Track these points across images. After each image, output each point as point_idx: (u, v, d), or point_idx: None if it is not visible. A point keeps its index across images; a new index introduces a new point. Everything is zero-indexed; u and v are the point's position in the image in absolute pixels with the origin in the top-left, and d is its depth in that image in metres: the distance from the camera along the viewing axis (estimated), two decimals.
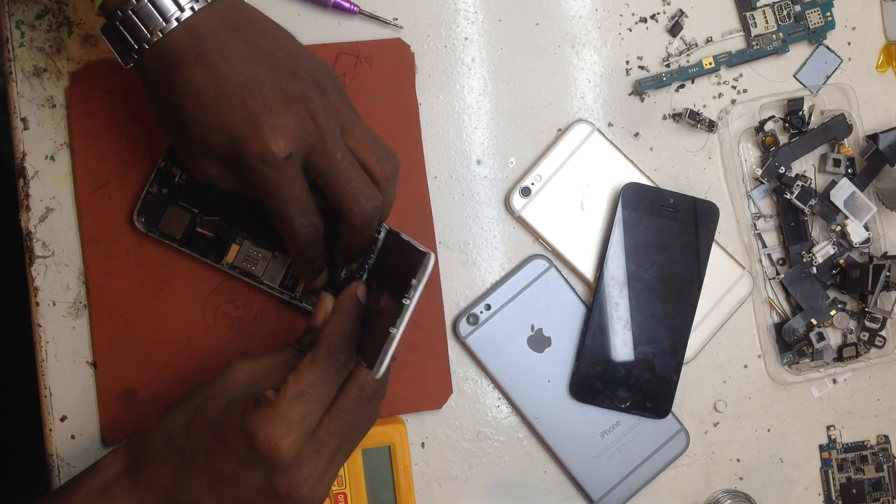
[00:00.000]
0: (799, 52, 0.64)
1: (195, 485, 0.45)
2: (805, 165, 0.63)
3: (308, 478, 0.45)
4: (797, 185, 0.61)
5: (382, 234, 0.57)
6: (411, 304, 0.44)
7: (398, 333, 0.44)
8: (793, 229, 0.62)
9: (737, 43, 0.63)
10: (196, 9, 0.45)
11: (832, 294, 0.63)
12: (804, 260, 0.62)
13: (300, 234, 0.49)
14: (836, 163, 0.62)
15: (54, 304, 0.57)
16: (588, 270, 0.61)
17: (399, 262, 0.49)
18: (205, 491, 0.45)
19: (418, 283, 0.44)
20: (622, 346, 0.60)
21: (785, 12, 0.63)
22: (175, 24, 0.45)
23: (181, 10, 0.45)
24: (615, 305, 0.60)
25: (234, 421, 0.44)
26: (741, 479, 0.63)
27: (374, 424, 0.49)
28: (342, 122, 0.48)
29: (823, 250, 0.62)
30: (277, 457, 0.43)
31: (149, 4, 0.45)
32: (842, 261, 0.62)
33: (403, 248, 0.50)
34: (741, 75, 0.63)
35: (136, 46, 0.46)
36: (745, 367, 0.63)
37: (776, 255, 0.63)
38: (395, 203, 0.59)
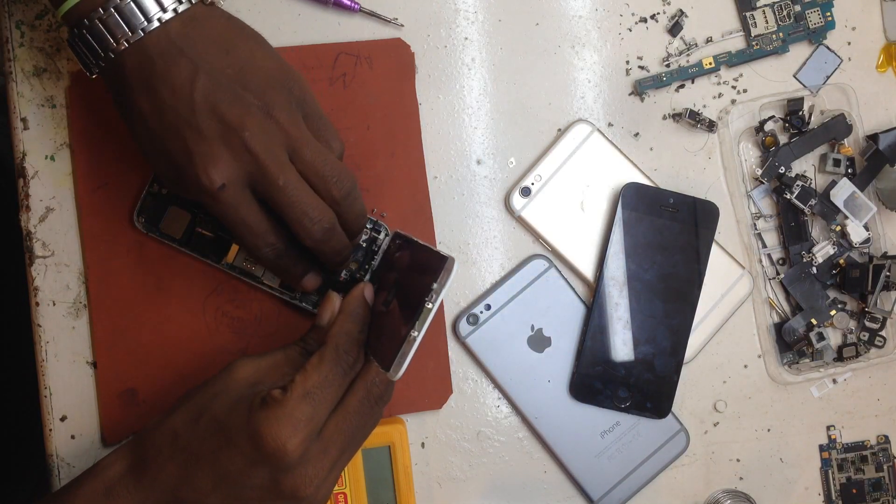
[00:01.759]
0: (799, 52, 0.64)
1: (200, 484, 0.45)
2: (805, 165, 0.63)
3: (313, 478, 0.45)
4: (797, 185, 0.61)
5: (385, 238, 0.57)
6: (433, 307, 0.44)
7: (419, 337, 0.44)
8: (793, 229, 0.62)
9: (737, 43, 0.63)
10: (147, 29, 0.45)
11: (832, 294, 0.63)
12: (804, 260, 0.62)
13: (258, 255, 0.50)
14: (836, 163, 0.62)
15: (54, 304, 0.57)
16: (588, 270, 0.61)
17: (412, 265, 0.49)
18: (210, 490, 0.45)
19: (440, 288, 0.44)
20: (622, 346, 0.60)
21: (785, 12, 0.63)
22: (125, 44, 0.45)
23: (132, 31, 0.45)
24: (615, 305, 0.60)
25: (239, 420, 0.44)
26: (741, 479, 0.63)
27: (376, 427, 0.49)
28: (290, 144, 0.47)
29: (823, 250, 0.62)
30: (284, 456, 0.43)
31: (99, 25, 0.45)
32: (842, 261, 0.62)
33: (417, 250, 0.50)
34: (741, 75, 0.63)
35: (94, 61, 0.46)
36: (745, 367, 0.63)
37: (776, 255, 0.63)
38: (395, 203, 0.59)
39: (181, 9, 0.46)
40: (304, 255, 0.52)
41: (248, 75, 0.47)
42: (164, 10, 0.45)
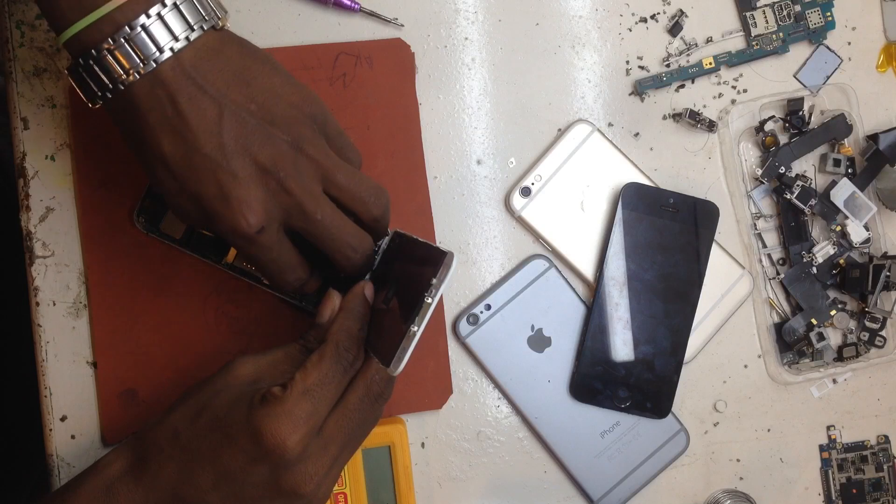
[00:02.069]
0: (799, 52, 0.64)
1: (200, 481, 0.45)
2: (805, 165, 0.63)
3: (313, 475, 0.45)
4: (797, 185, 0.61)
5: (386, 237, 0.57)
6: (433, 302, 0.44)
7: (419, 331, 0.44)
8: (793, 229, 0.62)
9: (737, 43, 0.63)
10: (160, 60, 0.42)
11: (832, 294, 0.63)
12: (804, 260, 0.62)
13: (283, 287, 0.50)
14: (836, 163, 0.62)
15: (54, 304, 0.57)
16: (588, 270, 0.61)
17: (412, 262, 0.49)
18: (210, 488, 0.45)
19: (440, 283, 0.44)
20: (622, 346, 0.60)
21: (785, 12, 0.63)
22: (137, 76, 0.42)
23: (145, 62, 0.42)
24: (615, 305, 0.60)
25: (239, 417, 0.44)
26: (741, 479, 0.63)
27: (376, 425, 0.49)
28: (323, 174, 0.46)
29: (823, 250, 0.62)
30: (284, 453, 0.43)
31: (109, 57, 0.42)
32: (842, 261, 0.62)
33: (416, 248, 0.50)
34: (741, 75, 0.63)
35: (100, 94, 0.44)
36: (745, 367, 0.63)
37: (776, 255, 0.63)
38: (395, 203, 0.59)
39: (193, 37, 0.43)
40: (317, 270, 0.52)
41: (272, 108, 0.45)
42: (175, 39, 0.43)
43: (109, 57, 0.42)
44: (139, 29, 0.42)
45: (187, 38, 0.43)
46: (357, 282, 0.56)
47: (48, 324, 0.57)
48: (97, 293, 0.57)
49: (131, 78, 0.42)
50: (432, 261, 0.46)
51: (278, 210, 0.45)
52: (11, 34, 0.57)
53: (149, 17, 0.42)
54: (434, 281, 0.44)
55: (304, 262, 0.49)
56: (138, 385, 0.57)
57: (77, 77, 0.44)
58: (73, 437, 0.57)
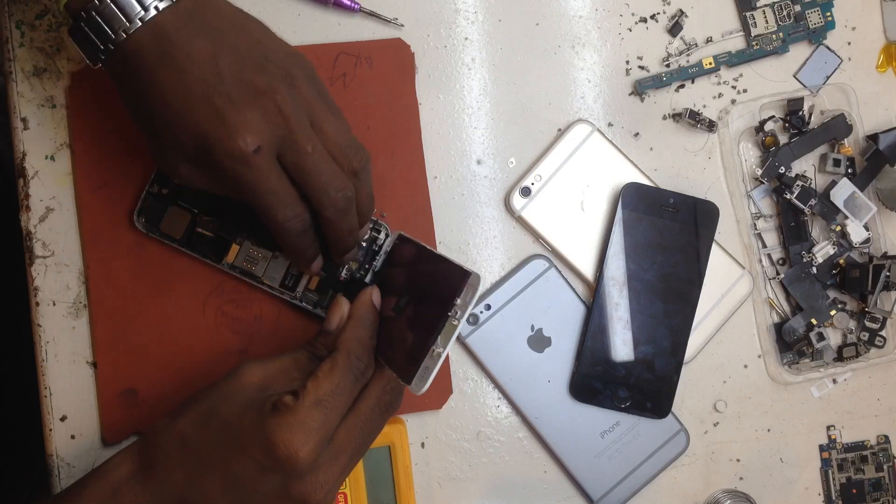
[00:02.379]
0: (799, 52, 0.64)
1: (209, 488, 0.45)
2: (805, 165, 0.63)
3: (324, 484, 0.45)
4: (797, 185, 0.61)
5: (385, 238, 0.57)
6: (460, 324, 0.44)
7: (444, 353, 0.44)
8: (793, 229, 0.62)
9: (737, 43, 0.63)
10: (160, 8, 0.44)
11: (832, 294, 0.63)
12: (804, 260, 0.62)
13: (286, 226, 0.48)
14: (836, 163, 0.62)
15: (54, 304, 0.57)
16: (588, 270, 0.61)
17: (425, 274, 0.49)
18: (218, 495, 0.45)
19: (465, 304, 0.44)
20: (622, 346, 0.60)
21: (785, 12, 0.63)
22: (139, 23, 0.44)
23: (145, 9, 0.44)
24: (615, 305, 0.60)
25: (250, 425, 0.44)
26: (741, 479, 0.63)
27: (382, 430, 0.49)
28: (311, 115, 0.47)
29: (823, 250, 0.62)
30: (296, 464, 0.43)
31: (111, 5, 0.44)
32: (842, 261, 0.62)
33: (430, 260, 0.49)
34: (741, 75, 0.63)
35: (102, 47, 0.45)
36: (745, 367, 0.63)
37: (776, 255, 0.63)
38: (395, 203, 0.59)
39: None
40: (318, 235, 0.51)
41: (265, 49, 0.47)
42: None
43: (112, 6, 0.44)
44: None
45: None
46: (339, 271, 0.55)
47: (48, 324, 0.57)
48: (97, 293, 0.57)
49: (134, 25, 0.44)
50: (452, 278, 0.45)
51: (273, 134, 0.46)
52: (11, 34, 0.57)
53: None
54: (458, 301, 0.44)
55: (301, 200, 0.48)
56: (138, 385, 0.57)
57: (79, 35, 0.45)
58: (73, 437, 0.57)
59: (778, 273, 0.63)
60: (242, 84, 0.45)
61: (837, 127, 0.62)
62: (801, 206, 0.61)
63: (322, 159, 0.47)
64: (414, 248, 0.52)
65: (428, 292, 0.46)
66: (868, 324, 0.62)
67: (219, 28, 0.46)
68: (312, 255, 0.52)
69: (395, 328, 0.47)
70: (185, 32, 0.45)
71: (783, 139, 0.63)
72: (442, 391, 0.59)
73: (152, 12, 0.44)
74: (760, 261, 0.62)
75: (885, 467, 0.64)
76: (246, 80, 0.45)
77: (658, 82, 0.62)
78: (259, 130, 0.45)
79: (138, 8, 0.44)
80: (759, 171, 0.62)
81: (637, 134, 0.63)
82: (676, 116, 0.63)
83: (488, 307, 0.60)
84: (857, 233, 0.62)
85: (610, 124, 0.62)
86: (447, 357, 0.44)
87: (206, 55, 0.45)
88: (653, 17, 0.63)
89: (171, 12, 0.44)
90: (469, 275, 0.45)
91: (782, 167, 0.61)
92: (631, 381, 0.60)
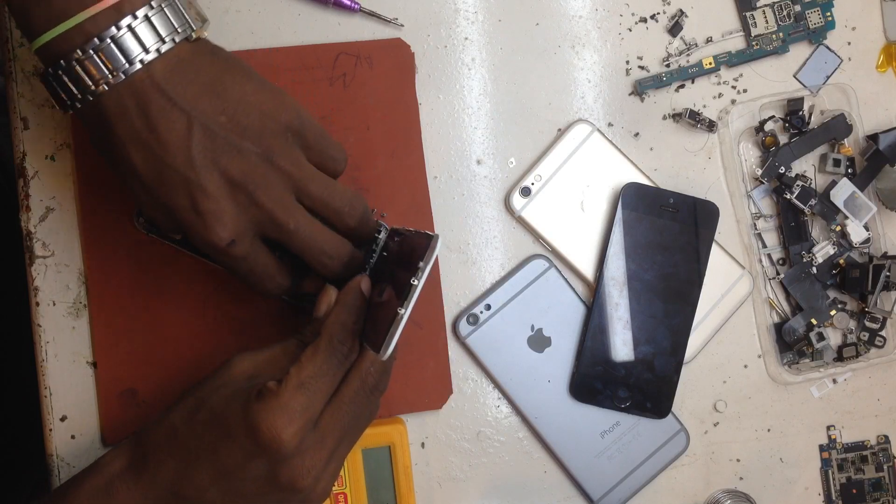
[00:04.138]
0: (799, 52, 0.64)
1: (199, 478, 0.45)
2: (805, 165, 0.63)
3: (311, 469, 0.45)
4: (797, 185, 0.61)
5: (384, 236, 0.57)
6: (419, 284, 0.45)
7: (405, 313, 0.44)
8: (793, 229, 0.62)
9: (737, 43, 0.63)
10: (130, 73, 0.42)
11: (832, 294, 0.63)
12: (804, 260, 0.62)
13: (267, 294, 0.50)
14: (836, 163, 0.62)
15: (54, 304, 0.57)
16: (588, 270, 0.61)
17: (404, 254, 0.50)
18: (209, 484, 0.45)
19: (425, 265, 0.45)
20: (622, 346, 0.60)
21: (785, 12, 0.63)
22: (105, 87, 0.42)
23: (113, 74, 0.42)
24: (615, 305, 0.60)
25: (236, 413, 0.44)
26: (741, 479, 0.63)
27: (374, 419, 0.49)
28: (295, 186, 0.47)
29: (823, 250, 0.62)
30: (280, 447, 0.43)
31: (78, 68, 0.42)
32: (842, 261, 0.62)
33: (407, 239, 0.50)
34: (741, 75, 0.63)
35: (69, 103, 0.44)
36: (745, 367, 0.63)
37: (776, 255, 0.63)
38: (395, 203, 0.59)
39: (164, 49, 0.43)
40: (305, 272, 0.52)
41: (242, 118, 0.45)
42: (146, 51, 0.43)
43: (79, 67, 0.42)
44: (109, 40, 0.42)
45: (158, 50, 0.43)
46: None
47: (48, 324, 0.57)
48: (97, 293, 0.57)
49: (100, 89, 0.43)
50: (420, 245, 0.46)
51: (250, 222, 0.46)
52: (11, 34, 0.57)
53: (119, 28, 0.42)
54: (420, 264, 0.45)
55: (284, 269, 0.49)
56: (138, 385, 0.57)
57: (48, 85, 0.44)
58: (73, 437, 0.57)
59: (778, 273, 0.63)
60: (216, 174, 0.44)
61: (837, 127, 0.62)
62: (801, 206, 0.61)
63: (308, 231, 0.47)
64: (398, 235, 0.53)
65: (405, 268, 0.47)
66: (868, 324, 0.62)
67: (194, 100, 0.44)
68: (301, 290, 0.53)
69: (381, 312, 0.48)
70: (157, 106, 0.43)
71: (783, 139, 0.63)
72: (442, 391, 0.59)
73: (121, 77, 0.42)
74: (760, 261, 0.62)
75: (885, 467, 0.64)
76: (220, 168, 0.44)
77: (658, 82, 0.62)
78: (233, 223, 0.45)
79: (106, 72, 0.42)
80: (759, 171, 0.62)
81: (637, 134, 0.63)
82: (676, 116, 0.63)
83: (488, 307, 0.60)
84: (857, 233, 0.62)
85: (610, 124, 0.62)
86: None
87: (178, 139, 0.43)
88: (653, 17, 0.63)
89: (142, 78, 0.43)
90: (430, 238, 0.45)
91: (782, 167, 0.61)
92: (631, 381, 0.60)
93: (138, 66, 0.43)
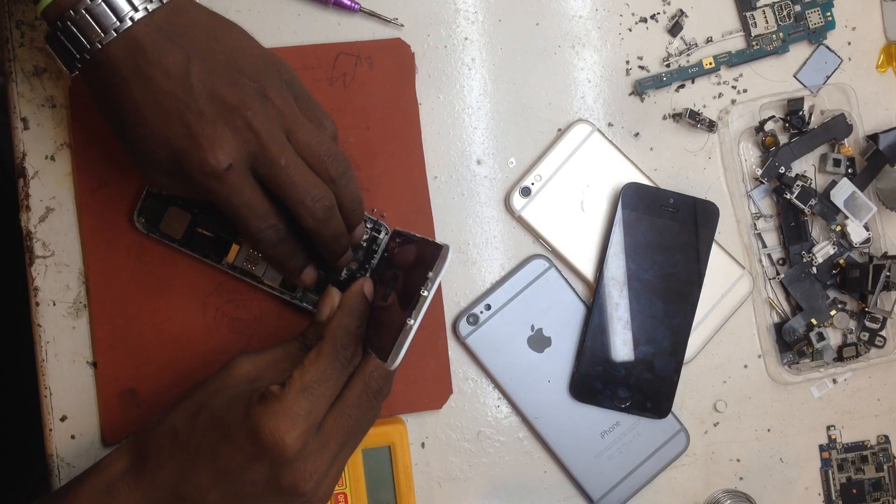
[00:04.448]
0: (799, 52, 0.64)
1: (200, 480, 0.45)
2: (805, 165, 0.63)
3: (313, 472, 0.45)
4: (797, 185, 0.61)
5: (384, 236, 0.57)
6: (429, 295, 0.44)
7: (415, 324, 0.44)
8: (793, 229, 0.62)
9: (737, 43, 0.63)
10: (136, 18, 0.44)
11: (832, 294, 0.63)
12: (804, 260, 0.62)
13: (260, 237, 0.49)
14: (836, 163, 0.62)
15: (54, 304, 0.57)
16: (588, 270, 0.61)
17: (410, 258, 0.49)
18: (210, 486, 0.45)
19: (435, 276, 0.45)
20: (622, 346, 0.60)
21: (785, 12, 0.63)
22: (114, 34, 0.44)
23: (121, 20, 0.44)
24: (615, 305, 0.60)
25: (238, 416, 0.44)
26: (741, 479, 0.63)
27: (375, 422, 0.49)
28: (286, 126, 0.47)
29: (823, 250, 0.62)
30: (282, 451, 0.43)
31: (87, 15, 0.44)
32: (842, 261, 0.62)
33: (413, 244, 0.50)
34: (741, 75, 0.63)
35: (78, 56, 0.45)
36: (745, 367, 0.63)
37: (776, 255, 0.63)
38: (395, 203, 0.59)
39: None
40: (304, 247, 0.52)
41: (240, 59, 0.47)
42: (150, 0, 0.45)
43: (87, 16, 0.44)
44: None
45: (161, 0, 0.45)
46: (340, 271, 0.56)
47: (48, 324, 0.57)
48: (97, 293, 0.57)
49: (109, 37, 0.44)
50: (429, 254, 0.46)
51: (244, 150, 0.46)
52: (11, 34, 0.57)
53: None
54: (430, 274, 0.45)
55: (276, 212, 0.49)
56: (138, 385, 0.57)
57: (55, 43, 0.46)
58: (73, 437, 0.57)
59: (778, 273, 0.63)
60: (214, 99, 0.45)
61: (837, 127, 0.62)
62: (801, 206, 0.61)
63: (296, 170, 0.47)
64: (402, 238, 0.53)
65: (411, 275, 0.47)
66: (868, 324, 0.62)
67: (193, 39, 0.46)
68: (297, 266, 0.53)
69: (385, 316, 0.48)
70: (158, 44, 0.45)
71: (783, 139, 0.63)
72: (442, 391, 0.59)
73: (127, 23, 0.44)
74: (760, 261, 0.62)
75: (885, 467, 0.64)
76: (217, 95, 0.45)
77: (658, 82, 0.62)
78: (229, 147, 0.46)
79: (113, 18, 0.44)
80: (759, 171, 0.62)
81: (637, 134, 0.63)
82: (676, 116, 0.63)
83: (488, 307, 0.60)
84: (857, 233, 0.62)
85: (610, 124, 0.62)
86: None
87: (177, 69, 0.45)
88: (653, 17, 0.63)
89: (145, 23, 0.45)
90: (441, 248, 0.45)
91: (782, 167, 0.61)
92: (631, 381, 0.60)
93: (142, 13, 0.44)
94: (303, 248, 0.52)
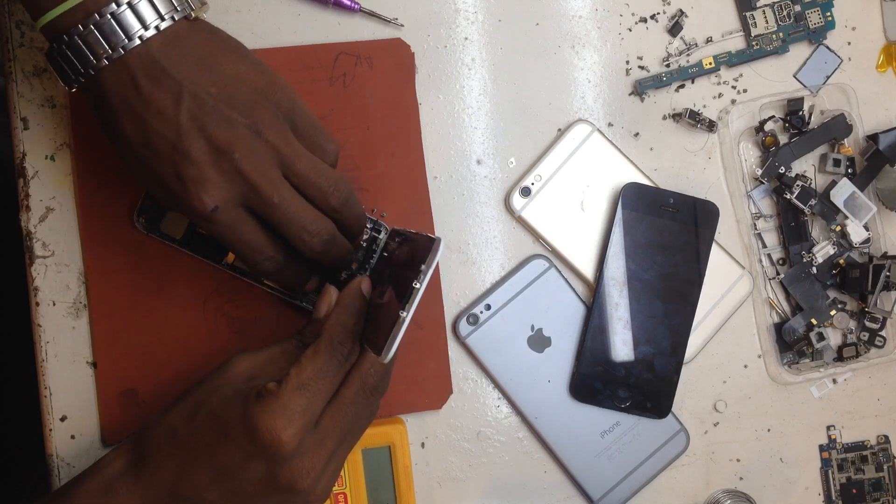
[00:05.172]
0: (799, 52, 0.64)
1: (198, 479, 0.45)
2: (805, 165, 0.63)
3: (310, 470, 0.45)
4: (797, 185, 0.61)
5: (384, 236, 0.57)
6: (421, 287, 0.44)
7: (408, 316, 0.44)
8: (793, 229, 0.62)
9: (737, 43, 0.63)
10: (128, 48, 0.44)
11: (832, 294, 0.63)
12: (804, 260, 0.62)
13: (259, 269, 0.50)
14: (836, 163, 0.62)
15: (54, 304, 0.57)
16: (588, 270, 0.61)
17: (406, 255, 0.50)
18: (208, 485, 0.45)
19: (427, 268, 0.45)
20: (622, 346, 0.60)
21: (785, 12, 0.63)
22: (105, 62, 0.44)
23: (112, 49, 0.44)
24: (615, 305, 0.60)
25: (235, 414, 0.44)
26: (741, 479, 0.63)
27: (373, 420, 0.49)
28: (281, 160, 0.47)
29: (823, 250, 0.62)
30: (279, 448, 0.43)
31: (78, 42, 0.44)
32: (842, 261, 0.62)
33: (409, 241, 0.50)
34: (741, 75, 0.63)
35: (73, 77, 0.45)
36: (745, 367, 0.63)
37: (776, 255, 0.63)
38: (395, 203, 0.59)
39: (163, 26, 0.45)
40: (305, 262, 0.52)
41: (234, 92, 0.46)
42: (145, 27, 0.44)
43: (81, 42, 0.44)
44: (109, 16, 0.44)
45: (157, 27, 0.45)
46: (344, 273, 0.56)
47: (48, 324, 0.57)
48: (97, 293, 0.57)
49: (101, 63, 0.44)
50: (423, 249, 0.46)
51: (233, 191, 0.46)
52: (11, 34, 0.57)
53: (119, 5, 0.44)
54: (423, 267, 0.45)
55: (273, 243, 0.49)
56: (138, 385, 0.57)
57: (53, 61, 0.46)
58: (73, 437, 0.57)
59: (778, 273, 0.63)
60: (202, 140, 0.45)
61: (837, 127, 0.62)
62: (801, 206, 0.61)
63: (291, 206, 0.47)
64: (400, 236, 0.53)
65: (407, 271, 0.47)
66: (868, 324, 0.62)
67: (186, 72, 0.45)
68: (301, 283, 0.53)
69: (381, 313, 0.48)
70: (151, 77, 0.44)
71: (783, 139, 0.63)
72: (442, 391, 0.59)
73: (119, 52, 0.44)
74: (760, 261, 0.62)
75: (885, 467, 0.64)
76: (206, 135, 0.45)
77: (658, 82, 0.62)
78: (217, 191, 0.45)
79: (106, 47, 0.44)
80: (759, 171, 0.62)
81: (637, 134, 0.63)
82: (676, 116, 0.63)
83: (488, 307, 0.60)
84: (857, 233, 0.62)
85: (610, 124, 0.62)
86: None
87: (167, 106, 0.44)
88: (653, 17, 0.63)
89: (138, 53, 0.44)
90: (433, 241, 0.45)
91: (782, 167, 0.61)
92: (631, 381, 0.60)
93: (137, 41, 0.44)
94: (305, 267, 0.52)
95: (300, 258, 0.51)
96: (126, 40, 0.44)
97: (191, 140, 0.45)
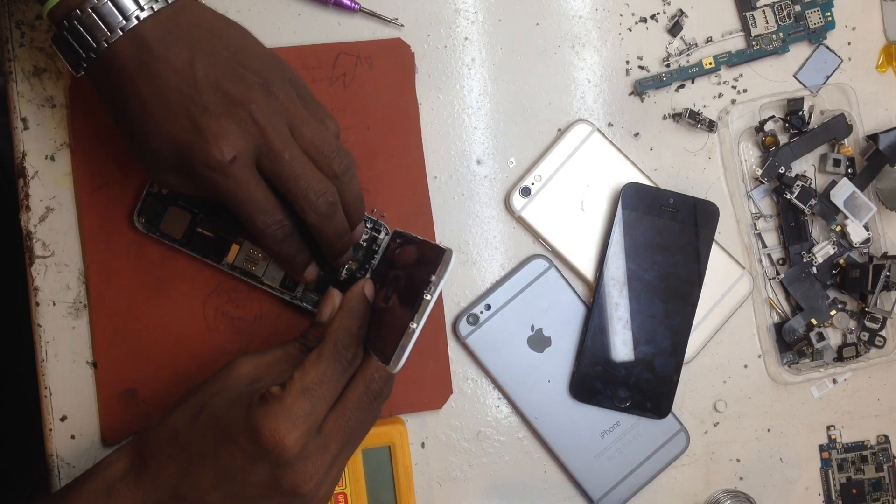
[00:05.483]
0: (799, 52, 0.64)
1: (200, 481, 0.45)
2: (805, 165, 0.63)
3: (313, 474, 0.45)
4: (797, 185, 0.61)
5: (384, 236, 0.57)
6: (432, 299, 0.44)
7: (418, 328, 0.44)
8: (793, 229, 0.62)
9: (737, 43, 0.63)
10: (142, 17, 0.45)
11: (832, 294, 0.63)
12: (804, 260, 0.62)
13: (266, 233, 0.49)
14: (836, 163, 0.62)
15: (54, 304, 0.57)
16: (588, 270, 0.61)
17: (411, 260, 0.49)
18: (210, 487, 0.45)
19: (438, 280, 0.45)
20: (622, 346, 0.60)
21: (785, 12, 0.63)
22: (120, 33, 0.45)
23: (126, 19, 0.45)
24: (615, 305, 0.60)
25: (238, 416, 0.44)
26: (741, 479, 0.63)
27: (375, 423, 0.49)
28: (290, 121, 0.48)
29: (823, 250, 0.62)
30: (283, 452, 0.43)
31: (93, 14, 0.45)
32: (842, 261, 0.62)
33: (415, 246, 0.50)
34: (741, 75, 0.63)
35: (84, 55, 0.46)
36: (745, 367, 0.63)
37: (776, 255, 0.63)
38: (395, 203, 0.59)
39: None
40: (308, 245, 0.52)
41: (244, 56, 0.47)
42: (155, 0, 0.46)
43: (94, 15, 0.45)
44: None
45: (166, 0, 0.46)
46: (340, 271, 0.56)
47: (48, 324, 0.57)
48: (97, 293, 0.57)
49: (115, 35, 0.45)
50: (431, 258, 0.46)
51: (248, 143, 0.46)
52: (11, 34, 0.57)
53: None
54: (433, 278, 0.45)
55: (281, 208, 0.49)
56: (138, 385, 0.57)
57: (62, 42, 0.46)
58: (73, 437, 0.57)
59: (778, 273, 0.63)
60: (218, 94, 0.46)
61: (837, 127, 0.62)
62: (801, 206, 0.61)
63: (300, 165, 0.48)
64: (403, 239, 0.53)
65: (413, 277, 0.47)
66: (868, 324, 0.62)
67: (197, 37, 0.46)
68: (301, 263, 0.53)
69: (386, 318, 0.48)
70: (164, 42, 0.45)
71: (783, 139, 0.63)
72: (442, 391, 0.59)
73: (133, 22, 0.45)
74: (760, 261, 0.62)
75: (885, 467, 0.64)
76: (222, 89, 0.46)
77: (658, 82, 0.62)
78: (234, 140, 0.46)
79: (120, 17, 0.45)
80: (759, 171, 0.62)
81: (637, 134, 0.63)
82: (676, 116, 0.63)
83: (488, 307, 0.60)
84: (857, 233, 0.62)
85: (610, 124, 0.62)
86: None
87: (183, 64, 0.45)
88: (653, 17, 0.63)
89: (151, 22, 0.45)
90: (444, 252, 0.45)
91: (782, 167, 0.61)
92: (631, 381, 0.60)
93: (148, 11, 0.45)
94: (307, 246, 0.52)
95: (304, 234, 0.51)
96: (139, 10, 0.45)
97: (207, 93, 0.45)
